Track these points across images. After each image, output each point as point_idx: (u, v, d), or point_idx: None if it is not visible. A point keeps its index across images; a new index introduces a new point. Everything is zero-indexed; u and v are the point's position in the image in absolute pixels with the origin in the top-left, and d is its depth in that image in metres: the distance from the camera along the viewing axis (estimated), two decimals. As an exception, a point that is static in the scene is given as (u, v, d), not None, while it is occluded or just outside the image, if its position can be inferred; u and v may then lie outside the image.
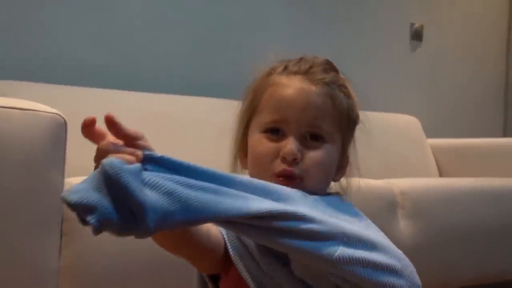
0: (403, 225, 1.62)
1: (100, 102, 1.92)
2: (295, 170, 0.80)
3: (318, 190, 0.83)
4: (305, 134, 0.82)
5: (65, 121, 1.18)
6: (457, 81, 3.26)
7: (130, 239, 1.20)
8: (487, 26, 3.43)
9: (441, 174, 2.66)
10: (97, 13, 2.12)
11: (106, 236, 1.15)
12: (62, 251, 1.16)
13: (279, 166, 0.80)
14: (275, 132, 0.82)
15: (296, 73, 0.84)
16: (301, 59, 0.87)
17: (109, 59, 2.15)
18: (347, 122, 0.86)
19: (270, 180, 0.80)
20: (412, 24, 3.05)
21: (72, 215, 1.16)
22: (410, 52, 3.08)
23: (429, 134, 2.79)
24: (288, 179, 0.80)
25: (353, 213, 0.81)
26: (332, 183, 0.89)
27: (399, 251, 0.78)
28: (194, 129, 2.04)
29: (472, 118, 3.30)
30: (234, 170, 0.91)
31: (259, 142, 0.83)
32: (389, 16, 2.97)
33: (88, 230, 1.19)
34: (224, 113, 2.09)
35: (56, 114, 1.17)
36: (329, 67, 0.87)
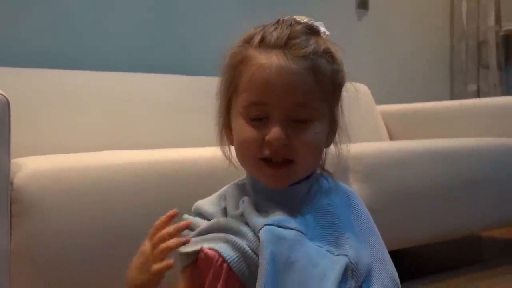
0: (356, 189, 1.63)
1: (46, 83, 1.88)
2: (284, 153, 0.77)
3: (309, 170, 0.81)
4: (290, 116, 0.78)
5: (7, 100, 1.15)
6: (404, 48, 3.30)
7: (81, 220, 1.19)
8: (431, -8, 3.48)
9: (391, 139, 2.71)
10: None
11: (56, 217, 1.14)
12: (12, 232, 1.14)
13: (265, 151, 0.77)
14: (258, 116, 0.78)
15: (274, 46, 0.78)
16: (278, 22, 0.82)
17: (54, 39, 2.09)
18: (332, 88, 0.82)
19: (257, 165, 0.79)
20: (357, -7, 3.08)
21: (21, 197, 1.15)
22: (357, 20, 3.10)
23: (379, 101, 2.83)
24: (275, 164, 0.78)
25: (352, 216, 0.81)
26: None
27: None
28: (144, 106, 2.01)
29: (420, 84, 3.36)
30: (221, 146, 0.88)
31: (243, 129, 0.79)
32: (334, -15, 2.98)
33: (37, 211, 1.18)
34: (174, 89, 2.11)
35: (-2, 93, 1.14)
36: (310, 32, 0.82)
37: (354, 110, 2.84)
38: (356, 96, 2.91)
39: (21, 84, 1.80)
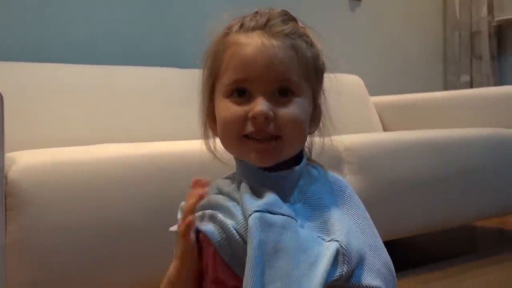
0: (350, 180, 1.64)
1: (39, 76, 1.88)
2: (269, 128, 0.76)
3: (296, 148, 0.80)
4: (273, 90, 0.77)
5: (1, 95, 1.15)
6: (397, 40, 3.31)
7: (76, 214, 1.20)
8: (424, -17, 3.48)
9: (385, 130, 2.71)
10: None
11: (51, 211, 1.14)
12: (8, 226, 1.14)
13: (249, 128, 0.76)
14: (241, 93, 0.77)
15: (254, 28, 0.79)
16: (256, 13, 0.82)
17: (47, 32, 2.09)
18: (314, 72, 0.81)
19: (241, 143, 0.77)
20: (350, -16, 3.08)
21: (16, 190, 1.15)
22: (350, 12, 3.10)
23: (372, 92, 2.83)
24: (261, 140, 0.76)
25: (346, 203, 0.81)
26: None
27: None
28: (137, 99, 2.01)
29: (414, 75, 3.36)
30: (206, 139, 0.87)
31: (225, 108, 0.78)
32: (327, -23, 2.97)
33: (32, 205, 1.18)
34: (167, 82, 2.10)
35: (-9, 88, 1.14)
36: (288, 17, 0.82)
37: (348, 101, 2.86)
38: (349, 87, 2.90)
39: (14, 78, 1.80)
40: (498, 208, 2.09)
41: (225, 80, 0.79)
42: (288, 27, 0.79)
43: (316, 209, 0.77)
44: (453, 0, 3.51)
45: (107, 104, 1.94)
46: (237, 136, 0.77)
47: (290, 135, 0.77)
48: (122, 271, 1.25)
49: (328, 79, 0.86)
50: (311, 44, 0.82)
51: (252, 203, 0.75)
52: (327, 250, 0.71)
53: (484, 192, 2.01)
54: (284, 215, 0.74)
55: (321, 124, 0.85)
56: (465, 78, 3.47)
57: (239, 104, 0.77)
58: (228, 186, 0.82)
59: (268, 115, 0.75)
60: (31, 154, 1.24)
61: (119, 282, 1.27)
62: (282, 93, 0.77)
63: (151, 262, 1.24)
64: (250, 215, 0.73)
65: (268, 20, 0.79)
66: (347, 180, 1.63)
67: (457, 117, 2.48)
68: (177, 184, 1.29)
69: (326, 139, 0.86)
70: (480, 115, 2.42)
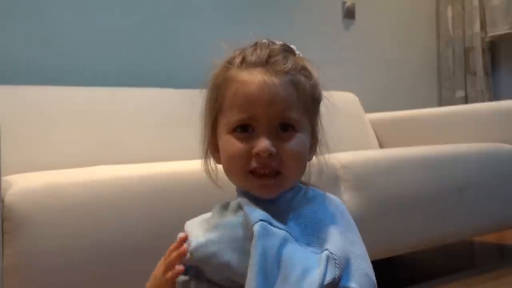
0: (347, 198, 1.64)
1: (35, 99, 1.88)
2: (272, 163, 0.80)
3: (296, 180, 0.84)
4: (275, 126, 0.81)
5: (-3, 118, 1.15)
6: (391, 56, 3.33)
7: (73, 237, 1.19)
8: (417, 0, 3.51)
9: (381, 147, 2.72)
10: (27, 9, 2.06)
11: (48, 234, 1.14)
12: (4, 250, 1.14)
13: (253, 164, 0.80)
14: (244, 129, 0.81)
15: (255, 64, 0.82)
16: (256, 44, 0.86)
17: (40, 54, 2.10)
18: (312, 104, 0.86)
19: (246, 178, 0.81)
20: (344, 3, 3.10)
21: (13, 214, 1.14)
22: (344, 30, 3.12)
23: (368, 109, 2.85)
24: (264, 175, 0.80)
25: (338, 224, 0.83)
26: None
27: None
28: (133, 120, 2.02)
29: (408, 91, 3.38)
30: (206, 167, 0.91)
31: (230, 143, 0.82)
32: (321, -4, 3.00)
33: (29, 229, 1.18)
34: (162, 102, 2.11)
35: (-13, 111, 1.14)
36: (288, 52, 0.86)
37: (344, 118, 2.87)
38: (344, 105, 2.92)
39: (11, 101, 1.80)
40: (496, 223, 2.09)
41: (230, 118, 0.82)
42: (288, 64, 0.83)
43: (308, 225, 0.81)
44: (446, 16, 3.54)
45: (104, 126, 1.94)
46: (242, 172, 0.81)
47: (291, 170, 0.82)
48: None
49: (324, 98, 0.89)
50: (309, 76, 0.85)
51: (256, 212, 0.79)
52: (321, 260, 0.75)
53: (482, 207, 2.01)
54: (282, 229, 0.78)
55: (318, 149, 0.89)
56: (460, 93, 3.49)
57: (242, 140, 0.81)
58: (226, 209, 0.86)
59: (271, 151, 0.79)
60: (28, 177, 1.23)
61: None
62: (284, 128, 0.81)
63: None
64: (255, 223, 0.77)
65: (269, 57, 0.83)
66: (344, 198, 1.64)
67: (453, 133, 2.49)
68: (174, 205, 1.29)
69: (323, 160, 0.90)
70: (476, 130, 2.43)
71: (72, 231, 1.19)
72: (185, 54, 2.36)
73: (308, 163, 0.88)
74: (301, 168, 0.84)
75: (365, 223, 1.67)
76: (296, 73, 0.83)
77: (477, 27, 3.42)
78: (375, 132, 2.77)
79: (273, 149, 0.79)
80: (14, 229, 1.14)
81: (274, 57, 0.83)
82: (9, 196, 1.15)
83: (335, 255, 0.76)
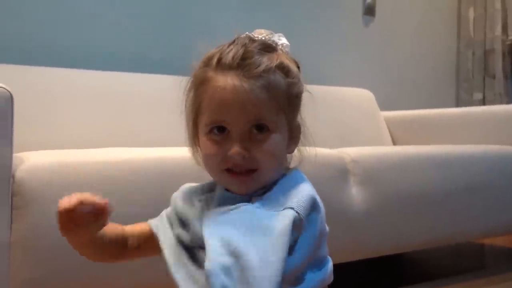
0: (355, 191, 1.65)
1: (49, 81, 1.91)
2: (246, 164, 0.83)
3: (273, 175, 0.86)
4: (249, 128, 0.83)
5: (11, 95, 1.17)
6: (410, 55, 3.31)
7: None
8: (438, 0, 3.49)
9: (395, 145, 2.71)
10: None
11: (56, 209, 1.16)
12: (13, 225, 1.16)
13: (228, 164, 0.83)
14: (220, 130, 0.84)
15: (230, 67, 0.83)
16: (234, 42, 0.87)
17: (57, 37, 2.12)
18: (287, 101, 0.86)
19: (222, 176, 0.85)
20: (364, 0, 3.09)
21: (23, 190, 1.16)
22: (364, 27, 3.11)
23: (383, 107, 2.84)
24: (240, 173, 0.83)
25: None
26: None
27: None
28: (144, 105, 2.04)
29: (426, 91, 3.36)
30: (196, 160, 0.93)
31: (207, 145, 0.86)
32: (341, -8, 3.00)
33: (38, 205, 1.19)
34: (174, 89, 2.12)
35: (2, 87, 1.16)
36: (265, 50, 0.86)
37: (358, 115, 2.86)
38: (360, 101, 2.92)
39: (25, 82, 1.83)
40: (506, 225, 2.08)
41: (204, 120, 0.86)
42: (261, 67, 0.83)
43: (271, 198, 0.83)
44: (468, 18, 3.52)
45: (113, 109, 1.97)
46: (218, 170, 0.85)
47: (266, 168, 0.84)
48: (126, 269, 1.26)
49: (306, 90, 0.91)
50: (286, 74, 0.86)
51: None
52: (284, 216, 0.77)
53: (491, 209, 2.00)
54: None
55: (302, 137, 0.92)
56: (478, 96, 3.47)
57: (217, 142, 0.84)
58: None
59: (243, 155, 0.82)
60: (39, 154, 1.25)
61: (122, 280, 1.28)
62: (259, 128, 0.84)
63: (153, 263, 1.25)
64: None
65: (242, 59, 0.83)
66: (352, 191, 1.64)
67: (468, 134, 2.47)
68: (180, 187, 1.30)
69: (305, 152, 0.93)
70: (491, 132, 2.41)
71: (80, 209, 1.21)
72: (195, 42, 2.37)
73: (290, 155, 0.91)
74: (278, 165, 0.87)
75: (372, 218, 1.69)
76: (269, 74, 0.83)
77: (498, 29, 3.39)
78: (390, 130, 2.76)
79: (245, 152, 0.82)
80: (23, 204, 1.17)
81: (247, 59, 0.83)
82: (20, 172, 1.17)
83: (300, 214, 0.78)
